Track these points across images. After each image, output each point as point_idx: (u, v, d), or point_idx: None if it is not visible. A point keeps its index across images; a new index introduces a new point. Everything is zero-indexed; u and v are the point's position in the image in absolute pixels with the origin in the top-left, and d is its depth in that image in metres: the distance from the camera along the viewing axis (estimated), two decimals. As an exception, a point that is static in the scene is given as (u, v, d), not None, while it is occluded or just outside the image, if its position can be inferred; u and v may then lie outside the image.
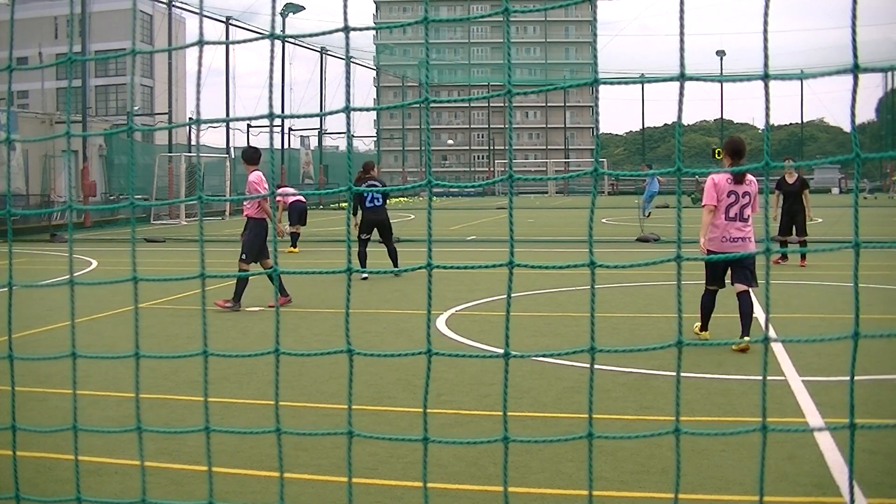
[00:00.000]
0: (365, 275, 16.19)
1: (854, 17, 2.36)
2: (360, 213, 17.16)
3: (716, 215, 9.83)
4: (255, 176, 13.38)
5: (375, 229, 17.21)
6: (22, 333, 10.97)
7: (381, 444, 6.36)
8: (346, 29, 2.35)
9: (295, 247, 22.44)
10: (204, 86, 2.68)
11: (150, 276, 3.01)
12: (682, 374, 2.46)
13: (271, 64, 2.45)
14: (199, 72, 2.54)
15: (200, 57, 2.52)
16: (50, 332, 11.25)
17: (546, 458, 6.10)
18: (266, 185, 13.33)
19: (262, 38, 2.37)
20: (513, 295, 2.61)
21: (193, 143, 45.83)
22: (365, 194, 16.80)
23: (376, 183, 17.42)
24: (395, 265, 17.32)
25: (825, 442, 6.27)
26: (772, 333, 2.53)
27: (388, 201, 18.10)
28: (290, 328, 11.39)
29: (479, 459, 6.11)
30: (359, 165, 18.86)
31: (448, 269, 2.51)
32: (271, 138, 2.67)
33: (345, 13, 2.36)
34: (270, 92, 2.48)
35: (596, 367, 2.69)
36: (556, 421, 7.12)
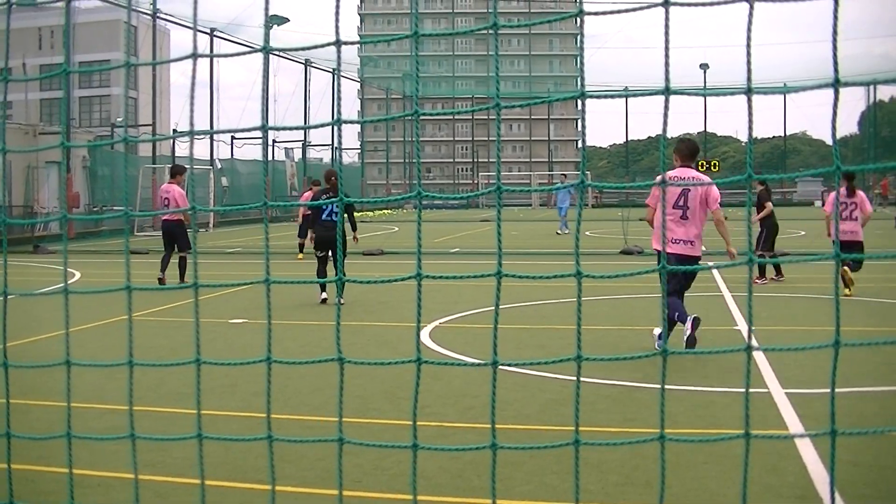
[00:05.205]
0: (324, 296, 14.89)
1: (835, 32, 2.39)
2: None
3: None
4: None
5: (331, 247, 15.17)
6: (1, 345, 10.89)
7: (366, 456, 6.36)
8: (338, 42, 2.36)
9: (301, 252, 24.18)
10: (188, 97, 2.69)
11: (139, 286, 3.01)
12: (666, 386, 2.48)
13: (265, 77, 2.46)
14: (193, 85, 2.55)
15: (194, 71, 2.53)
16: (34, 344, 11.19)
17: (530, 471, 6.10)
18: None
19: (255, 51, 2.38)
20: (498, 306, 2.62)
21: (179, 153, 45.75)
22: (323, 207, 14.63)
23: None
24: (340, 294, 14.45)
25: (808, 454, 6.30)
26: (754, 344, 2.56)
27: (352, 217, 15.57)
28: (275, 339, 11.32)
29: (464, 472, 6.11)
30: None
31: (435, 280, 2.52)
32: (264, 150, 2.69)
33: (336, 28, 2.37)
34: (265, 104, 2.49)
35: (580, 378, 2.70)
36: (539, 433, 7.12)
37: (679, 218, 9.92)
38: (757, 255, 16.12)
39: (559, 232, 34.36)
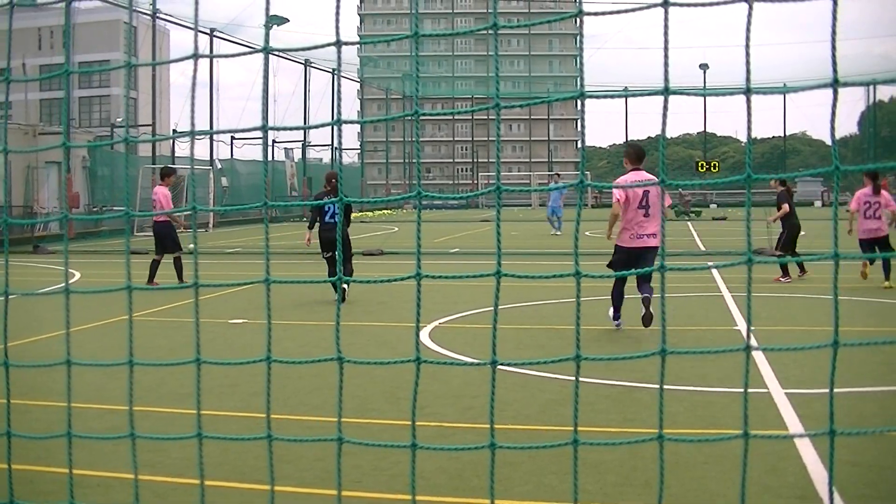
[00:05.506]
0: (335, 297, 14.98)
1: (834, 32, 2.39)
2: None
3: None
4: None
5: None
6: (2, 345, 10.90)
7: (365, 457, 6.35)
8: (338, 43, 2.37)
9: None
10: (189, 97, 2.70)
11: (139, 286, 3.01)
12: (666, 386, 2.48)
13: (265, 77, 2.46)
14: (193, 85, 2.55)
15: (195, 71, 2.53)
16: (33, 344, 11.18)
17: (529, 471, 6.10)
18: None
19: (255, 51, 2.38)
20: (497, 307, 2.63)
21: (179, 153, 45.77)
22: (325, 208, 15.26)
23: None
24: (342, 295, 13.91)
25: (808, 455, 6.30)
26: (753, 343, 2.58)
27: (349, 216, 16.17)
28: (274, 340, 11.29)
29: (463, 472, 6.10)
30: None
31: (434, 280, 2.53)
32: (264, 150, 2.70)
33: (336, 28, 2.37)
34: (265, 104, 2.50)
35: (580, 378, 2.70)
36: (539, 433, 7.12)
37: (643, 216, 11.38)
38: (777, 255, 17.12)
39: (558, 233, 34.30)
